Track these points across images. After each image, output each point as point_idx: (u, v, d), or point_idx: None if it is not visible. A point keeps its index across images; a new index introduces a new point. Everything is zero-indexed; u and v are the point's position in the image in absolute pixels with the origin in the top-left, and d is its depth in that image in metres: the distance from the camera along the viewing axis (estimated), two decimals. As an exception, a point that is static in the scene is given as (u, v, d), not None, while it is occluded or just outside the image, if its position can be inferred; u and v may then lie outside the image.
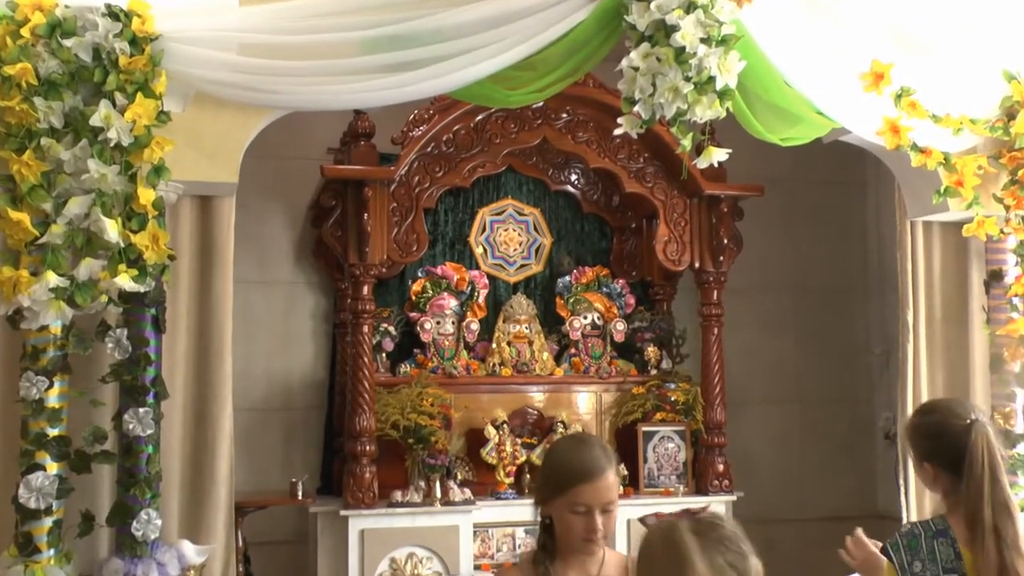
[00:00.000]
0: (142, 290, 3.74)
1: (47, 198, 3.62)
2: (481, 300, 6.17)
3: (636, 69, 3.53)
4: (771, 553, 2.33)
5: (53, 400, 3.82)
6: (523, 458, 5.83)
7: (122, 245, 3.63)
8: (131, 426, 3.88)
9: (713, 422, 5.95)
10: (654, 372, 6.27)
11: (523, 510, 5.74)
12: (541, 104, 5.61)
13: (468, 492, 5.57)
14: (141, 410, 3.89)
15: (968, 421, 2.68)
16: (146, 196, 3.67)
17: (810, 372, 7.15)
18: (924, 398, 5.10)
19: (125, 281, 3.64)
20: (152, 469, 3.93)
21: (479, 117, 5.74)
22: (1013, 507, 2.63)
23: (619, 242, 6.61)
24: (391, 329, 5.93)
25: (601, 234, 6.62)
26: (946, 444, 2.69)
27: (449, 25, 3.72)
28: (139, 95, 3.59)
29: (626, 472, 5.78)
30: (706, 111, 3.52)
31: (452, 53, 3.74)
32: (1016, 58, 4.40)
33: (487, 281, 6.24)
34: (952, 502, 2.71)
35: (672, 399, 6.04)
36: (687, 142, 3.62)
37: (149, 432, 3.91)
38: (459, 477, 5.73)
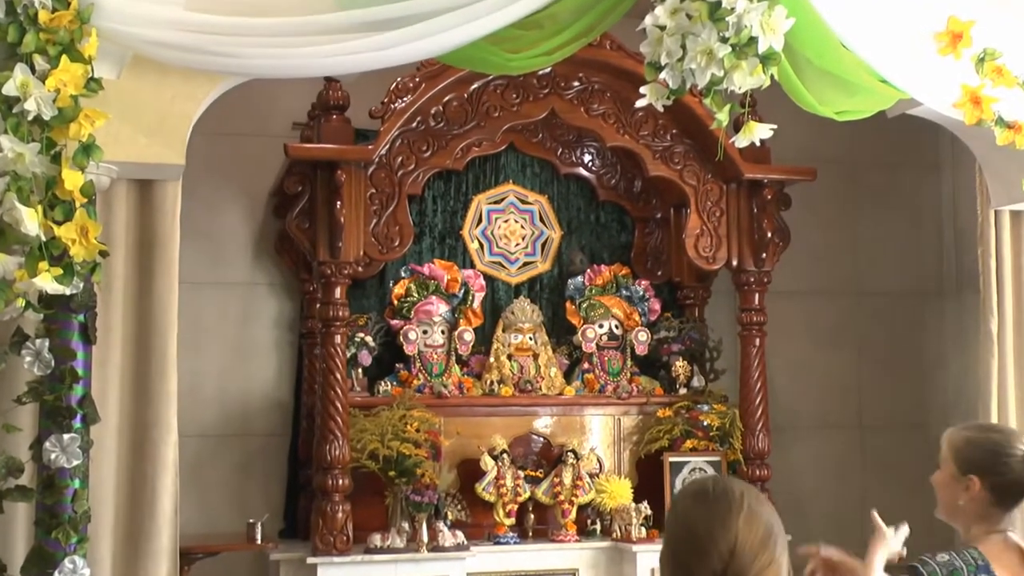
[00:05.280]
0: (67, 292, 3.70)
1: (-49, 182, 3.60)
2: (476, 305, 6.16)
3: (662, 28, 3.50)
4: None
5: (-41, 424, 3.80)
6: (526, 494, 5.82)
7: (43, 239, 3.59)
8: (53, 456, 3.85)
9: (754, 451, 5.94)
10: (683, 391, 6.27)
11: (526, 557, 5.74)
12: (548, 70, 5.60)
13: (461, 535, 5.56)
14: (66, 436, 3.87)
15: None
16: (73, 180, 3.64)
17: (872, 391, 7.13)
18: (1012, 421, 5.08)
19: (47, 282, 3.61)
20: (79, 508, 3.90)
21: (474, 86, 5.72)
22: None
23: (641, 236, 6.61)
24: (369, 340, 5.92)
25: (620, 226, 6.62)
26: (1003, 466, 2.95)
27: (438, -25, 3.70)
28: (64, 58, 3.55)
29: (649, 512, 5.77)
30: (746, 79, 3.49)
31: (442, 9, 3.71)
32: None
33: (483, 282, 6.24)
34: (985, 528, 2.97)
35: (705, 423, 6.03)
36: (723, 116, 3.59)
37: (75, 463, 3.89)
38: (450, 517, 5.71)
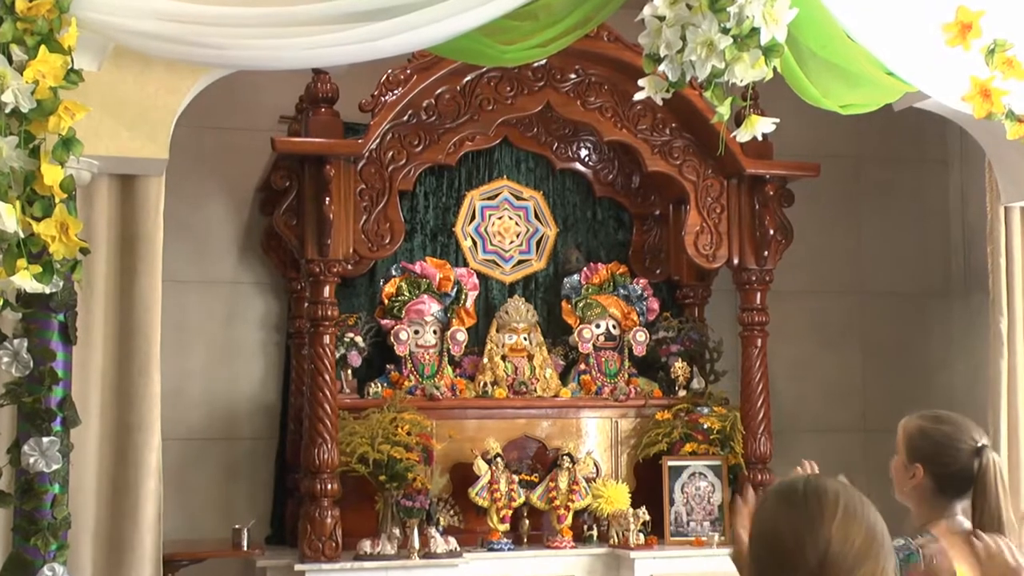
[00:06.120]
0: (47, 291, 3.70)
1: (-75, 177, 3.59)
2: (469, 304, 6.15)
3: (661, 19, 3.49)
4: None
5: (-67, 428, 3.79)
6: (521, 499, 5.82)
7: (22, 235, 3.59)
8: (32, 460, 3.85)
9: (756, 455, 5.94)
10: (683, 393, 6.26)
11: (521, 563, 5.74)
12: (544, 62, 5.59)
13: (453, 542, 5.55)
14: (45, 440, 3.86)
15: (980, 444, 3.09)
16: (52, 175, 3.62)
17: (877, 393, 7.12)
18: (1022, 424, 5.08)
19: (25, 280, 3.60)
20: (59, 514, 3.90)
21: (467, 78, 5.72)
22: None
23: (640, 233, 6.60)
24: (358, 340, 5.90)
25: (617, 223, 6.61)
26: (949, 458, 3.10)
27: (430, -37, 3.69)
28: (42, 49, 3.54)
29: (648, 517, 5.76)
30: (748, 71, 3.48)
31: (434, -2, 3.71)
32: None
33: (477, 281, 6.23)
34: (930, 515, 3.11)
35: (705, 426, 6.02)
36: (724, 109, 3.59)
37: (55, 467, 3.88)
38: (442, 523, 5.71)
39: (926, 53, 4.00)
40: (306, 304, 5.66)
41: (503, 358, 6.12)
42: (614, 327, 6.31)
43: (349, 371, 5.92)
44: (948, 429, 3.19)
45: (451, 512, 5.84)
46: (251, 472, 6.28)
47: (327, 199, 5.41)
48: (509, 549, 5.73)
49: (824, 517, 1.92)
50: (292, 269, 6.14)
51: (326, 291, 5.49)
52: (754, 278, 6.01)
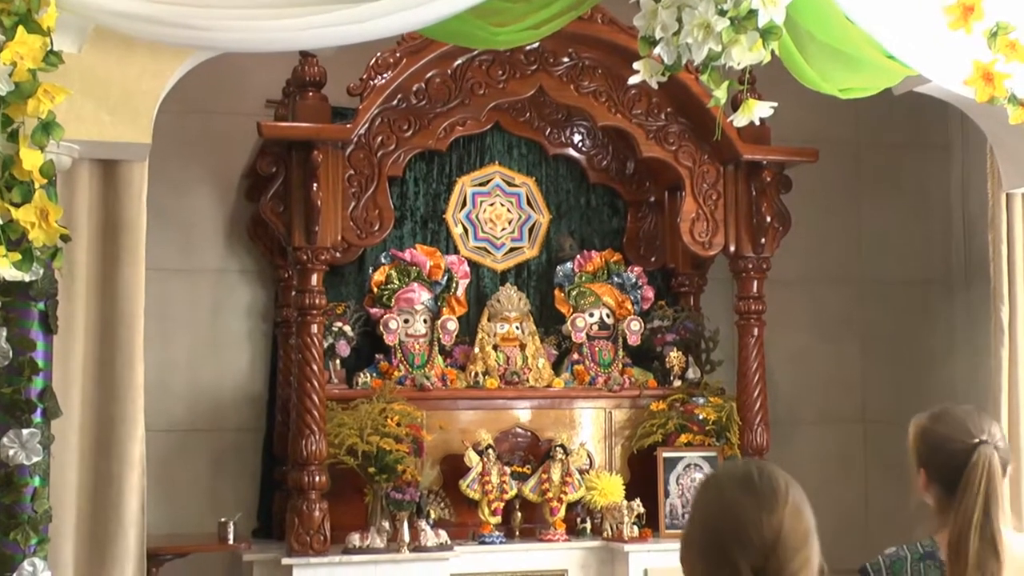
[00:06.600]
0: (27, 279, 3.69)
1: (-98, 162, 3.57)
2: (460, 292, 6.14)
3: (657, 0, 3.48)
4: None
5: (-91, 419, 3.78)
6: (513, 492, 5.81)
7: (0, 222, 3.57)
8: (12, 452, 3.85)
9: (752, 446, 5.95)
10: (678, 383, 6.26)
11: (513, 557, 5.74)
12: (536, 45, 5.59)
13: (444, 535, 5.56)
14: (25, 432, 3.86)
15: (975, 441, 2.98)
16: (31, 160, 3.62)
17: (876, 384, 7.13)
18: (1023, 414, 5.08)
19: (4, 268, 3.60)
20: (39, 507, 3.89)
21: (458, 62, 5.71)
22: (1000, 545, 2.89)
23: (634, 220, 6.59)
24: (347, 329, 5.90)
25: (611, 210, 6.61)
26: (944, 459, 3.03)
27: (420, -57, 3.67)
28: (20, 29, 3.53)
29: (642, 510, 5.76)
30: (745, 54, 3.47)
31: (424, -21, 3.69)
32: None
33: (468, 269, 6.22)
34: (941, 521, 3.02)
35: (701, 417, 6.02)
36: (721, 93, 3.57)
37: (35, 460, 3.88)
38: (432, 516, 5.70)
39: (927, 36, 3.99)
40: (293, 293, 5.65)
41: (495, 348, 6.11)
42: (608, 316, 6.30)
43: (337, 361, 5.91)
44: (943, 429, 3.12)
45: (441, 505, 5.84)
46: (237, 464, 6.27)
47: (315, 185, 5.40)
48: (501, 542, 5.73)
49: (778, 501, 2.10)
50: (279, 257, 6.13)
51: (314, 279, 5.48)
52: (751, 266, 6.01)
